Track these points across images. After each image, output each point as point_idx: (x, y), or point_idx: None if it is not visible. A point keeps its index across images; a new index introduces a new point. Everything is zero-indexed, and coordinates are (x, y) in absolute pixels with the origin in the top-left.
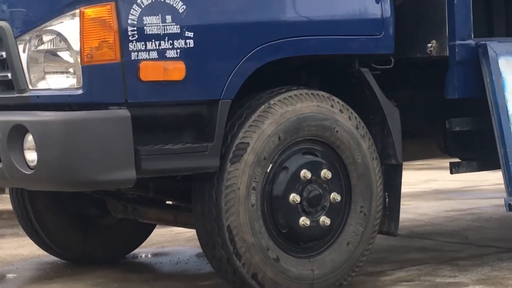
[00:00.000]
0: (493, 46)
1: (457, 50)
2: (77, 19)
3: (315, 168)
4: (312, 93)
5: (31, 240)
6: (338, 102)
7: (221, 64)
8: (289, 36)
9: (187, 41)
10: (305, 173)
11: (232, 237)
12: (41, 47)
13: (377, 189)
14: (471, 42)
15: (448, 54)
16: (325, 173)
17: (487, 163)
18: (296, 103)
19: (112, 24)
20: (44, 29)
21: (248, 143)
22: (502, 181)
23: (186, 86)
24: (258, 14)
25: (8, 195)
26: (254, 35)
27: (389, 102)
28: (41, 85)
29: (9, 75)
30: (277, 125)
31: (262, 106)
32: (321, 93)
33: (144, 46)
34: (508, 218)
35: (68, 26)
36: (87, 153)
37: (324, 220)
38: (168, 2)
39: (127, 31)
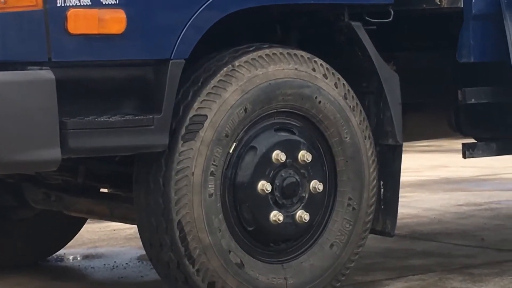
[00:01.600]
0: None
1: (473, 0)
2: None
3: (291, 149)
4: (288, 53)
5: None
6: (321, 65)
7: (172, 13)
8: None
9: None
10: (278, 155)
11: (184, 236)
12: None
13: (369, 176)
14: None
15: (462, 6)
16: (304, 155)
17: (510, 145)
18: (268, 66)
19: None
20: None
21: (206, 116)
22: None
23: (126, 41)
24: None
25: None
26: None
27: (386, 66)
28: None
29: None
30: (242, 93)
31: (224, 69)
32: (300, 53)
33: None
34: None
35: None
36: None
37: (302, 215)
38: None
39: None
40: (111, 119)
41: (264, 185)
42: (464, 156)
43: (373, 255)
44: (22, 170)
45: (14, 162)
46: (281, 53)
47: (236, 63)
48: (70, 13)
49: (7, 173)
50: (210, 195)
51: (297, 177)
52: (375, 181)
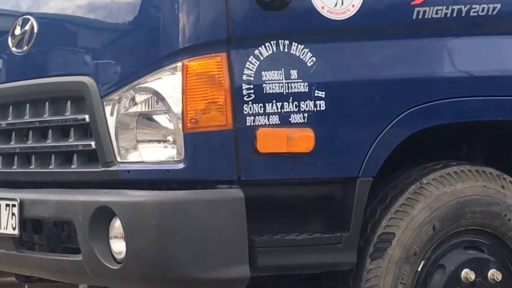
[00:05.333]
0: None
1: None
2: (178, 74)
3: (480, 267)
4: (476, 170)
5: None
6: (510, 182)
7: (360, 131)
8: (446, 96)
9: (317, 102)
10: (468, 274)
11: None
12: (133, 109)
13: None
14: None
15: None
16: (494, 274)
17: None
18: (456, 183)
19: (222, 81)
20: (137, 86)
21: (394, 234)
22: None
23: (314, 159)
24: (408, 69)
25: None
26: (402, 95)
27: None
28: (132, 157)
29: (93, 144)
30: (431, 210)
31: (412, 186)
32: (488, 170)
33: (262, 108)
34: None
35: (167, 83)
36: (188, 244)
37: None
38: (294, 53)
39: (241, 89)
40: (299, 237)
41: None
42: None
43: None
44: None
45: (202, 280)
46: (469, 171)
47: (424, 180)
48: (260, 132)
49: None
50: None
51: None
52: None
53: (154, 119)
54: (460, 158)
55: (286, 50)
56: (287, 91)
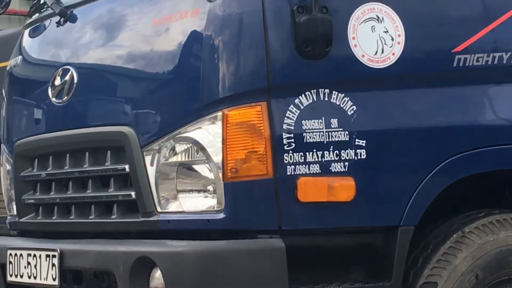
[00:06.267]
0: None
1: None
2: (218, 123)
3: None
4: None
5: None
6: None
7: (401, 180)
8: (488, 144)
9: (358, 151)
10: None
11: None
12: (173, 159)
13: None
14: None
15: None
16: None
17: None
18: (499, 232)
19: (262, 130)
20: (177, 136)
21: (436, 283)
22: None
23: (355, 208)
24: (449, 116)
25: None
26: (443, 144)
27: None
28: (173, 206)
29: (133, 194)
30: (473, 260)
31: (454, 235)
32: None
33: (303, 158)
34: None
35: (207, 133)
36: None
37: None
38: (334, 102)
39: (282, 138)
40: (340, 287)
41: None
42: None
43: None
44: None
45: None
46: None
47: (466, 229)
48: (300, 181)
49: None
50: None
51: None
52: None
53: (194, 169)
54: (502, 206)
55: (326, 98)
56: (327, 140)
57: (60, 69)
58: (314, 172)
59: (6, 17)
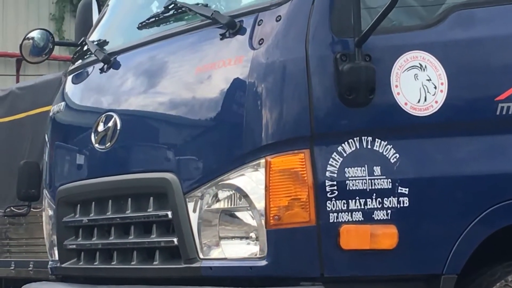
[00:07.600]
0: None
1: None
2: (261, 170)
3: None
4: None
5: None
6: None
7: (443, 228)
8: None
9: (401, 199)
10: None
11: None
12: (216, 206)
13: None
14: None
15: None
16: None
17: None
18: None
19: (305, 178)
20: (220, 183)
21: None
22: None
23: (398, 256)
24: (492, 165)
25: None
26: (487, 192)
27: None
28: (215, 253)
29: (175, 240)
30: None
31: (497, 284)
32: None
33: (345, 205)
34: None
35: (250, 180)
36: None
37: None
38: (377, 149)
39: (325, 186)
40: None
41: None
42: None
43: None
44: None
45: None
46: None
47: (509, 278)
48: (343, 229)
49: None
50: None
51: None
52: None
53: (237, 216)
54: None
55: (369, 146)
56: (370, 187)
57: (104, 115)
58: (357, 219)
59: (46, 62)
